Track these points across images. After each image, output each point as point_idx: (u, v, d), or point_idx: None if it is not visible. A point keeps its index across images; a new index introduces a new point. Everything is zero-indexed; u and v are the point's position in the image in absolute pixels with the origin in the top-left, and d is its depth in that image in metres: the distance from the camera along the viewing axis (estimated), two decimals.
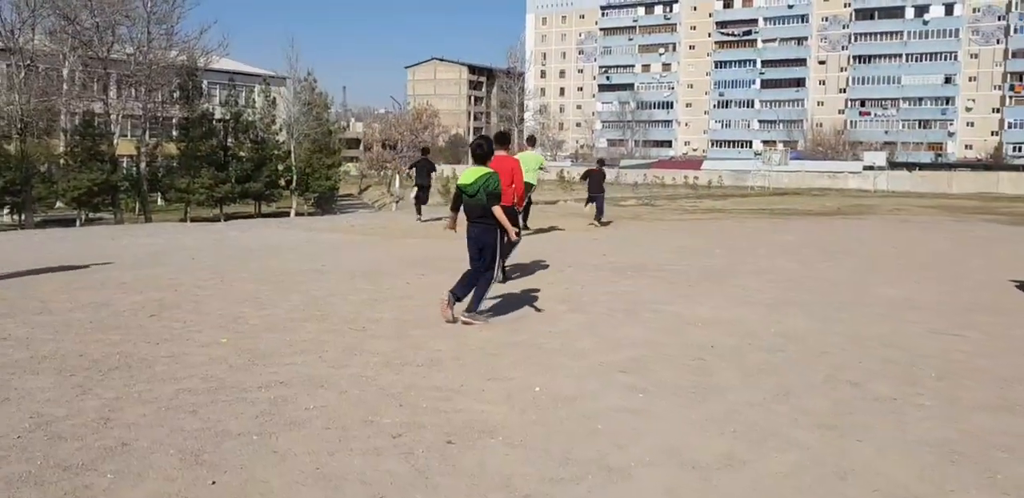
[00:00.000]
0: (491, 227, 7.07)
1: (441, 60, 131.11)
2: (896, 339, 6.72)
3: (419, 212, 17.98)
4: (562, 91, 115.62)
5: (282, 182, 43.25)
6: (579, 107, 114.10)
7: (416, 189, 17.82)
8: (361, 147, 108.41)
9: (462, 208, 7.32)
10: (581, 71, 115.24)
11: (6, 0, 35.40)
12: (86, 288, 8.36)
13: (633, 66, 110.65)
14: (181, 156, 39.15)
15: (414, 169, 17.77)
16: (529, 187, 13.24)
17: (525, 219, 14.64)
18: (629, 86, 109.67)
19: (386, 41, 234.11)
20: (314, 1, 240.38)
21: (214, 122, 41.07)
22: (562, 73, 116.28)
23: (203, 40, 41.29)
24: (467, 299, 7.16)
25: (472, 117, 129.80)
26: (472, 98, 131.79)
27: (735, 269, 10.74)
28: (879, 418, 4.75)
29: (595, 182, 18.15)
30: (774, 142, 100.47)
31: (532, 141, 16.45)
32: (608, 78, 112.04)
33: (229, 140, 41.23)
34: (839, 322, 7.37)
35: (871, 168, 73.07)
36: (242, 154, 41.28)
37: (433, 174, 18.24)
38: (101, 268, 9.97)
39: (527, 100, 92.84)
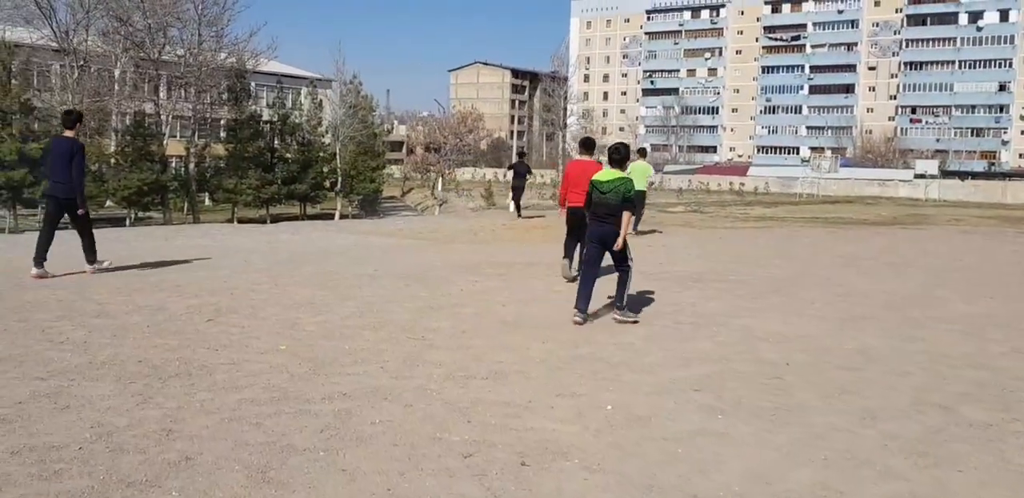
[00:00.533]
0: (616, 225, 7.33)
1: (485, 64, 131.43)
2: (982, 360, 6.38)
3: (518, 210, 20.47)
4: (606, 95, 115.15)
5: (327, 184, 43.46)
6: (623, 111, 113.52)
7: (512, 191, 20.35)
8: (404, 150, 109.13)
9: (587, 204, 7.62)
10: (625, 75, 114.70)
11: (61, 2, 36.03)
12: (142, 290, 8.30)
13: (678, 71, 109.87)
14: (229, 157, 39.50)
15: (511, 170, 20.09)
16: (642, 194, 15.31)
17: (636, 225, 15.77)
18: (674, 91, 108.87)
19: (430, 45, 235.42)
20: (358, 5, 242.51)
21: (261, 124, 41.41)
22: (606, 77, 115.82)
23: (252, 42, 41.64)
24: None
25: (515, 121, 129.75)
26: (515, 102, 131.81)
27: (798, 281, 10.41)
28: (976, 446, 4.46)
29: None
30: (822, 149, 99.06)
31: (643, 152, 17.24)
32: (652, 82, 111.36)
33: (276, 142, 41.51)
34: (918, 340, 7.04)
35: (922, 176, 71.62)
36: (288, 156, 41.54)
37: (528, 176, 20.32)
38: (156, 269, 9.95)
39: (571, 104, 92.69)
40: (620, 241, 7.31)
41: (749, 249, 14.56)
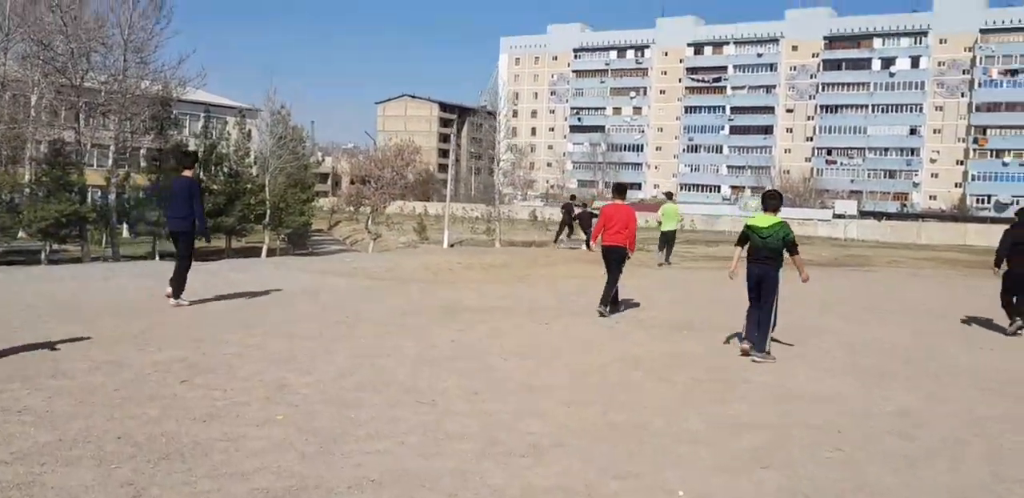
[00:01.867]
0: (774, 267, 8.09)
1: (413, 97, 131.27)
2: (1021, 422, 6.02)
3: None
4: (534, 131, 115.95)
5: (254, 217, 42.06)
6: (551, 147, 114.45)
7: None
8: (330, 182, 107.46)
9: (745, 247, 8.29)
10: (553, 111, 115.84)
11: None
12: (98, 342, 7.37)
13: (604, 108, 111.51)
14: (152, 188, 37.86)
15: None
16: (673, 233, 20.07)
17: (668, 257, 19.70)
18: (600, 128, 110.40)
19: (356, 77, 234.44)
20: (287, 34, 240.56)
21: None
22: (534, 113, 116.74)
23: (180, 70, 40.27)
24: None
25: (442, 154, 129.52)
26: (443, 135, 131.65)
27: (790, 329, 10.02)
28: None
29: (588, 223, 18.06)
30: (742, 187, 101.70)
31: (670, 195, 21.41)
32: (580, 119, 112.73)
33: (202, 173, 40.04)
34: (950, 400, 6.66)
35: (842, 217, 73.86)
36: (215, 187, 40.11)
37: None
38: (104, 315, 8.95)
39: (502, 139, 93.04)
40: (804, 274, 8.27)
41: (719, 292, 14.21)
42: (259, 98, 40.42)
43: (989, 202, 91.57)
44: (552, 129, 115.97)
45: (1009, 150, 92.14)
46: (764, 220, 8.18)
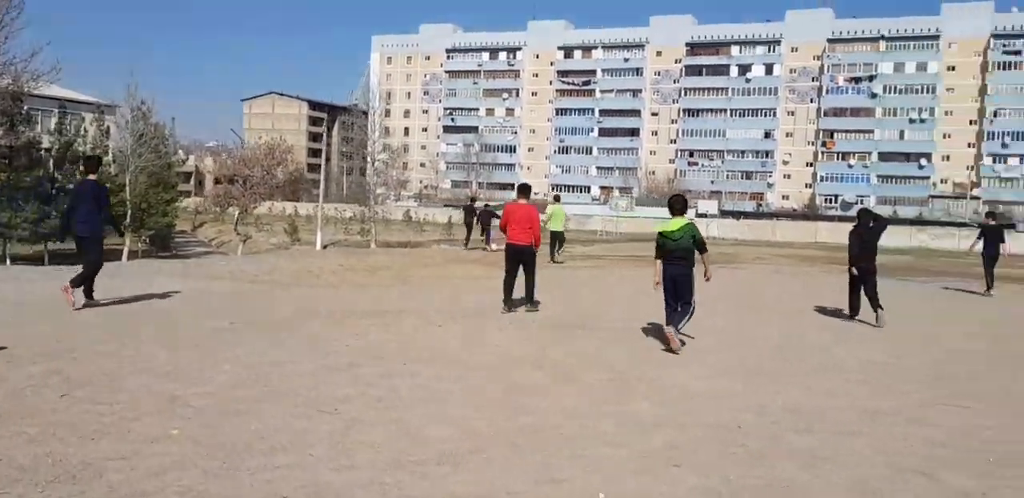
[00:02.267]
0: (687, 266, 8.54)
1: (281, 94, 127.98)
2: (912, 414, 6.32)
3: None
4: (407, 131, 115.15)
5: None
6: (423, 147, 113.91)
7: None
8: (193, 181, 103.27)
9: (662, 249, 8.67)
10: (426, 112, 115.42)
11: None
12: None
13: (478, 109, 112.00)
14: (2, 188, 35.33)
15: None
16: (561, 234, 21.51)
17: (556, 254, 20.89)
18: (474, 129, 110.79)
19: (221, 73, 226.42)
20: (148, 29, 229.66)
21: (41, 151, 37.55)
22: (407, 113, 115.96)
23: (33, 63, 37.73)
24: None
25: (312, 154, 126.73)
26: (312, 134, 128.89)
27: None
28: None
29: (488, 223, 18.40)
30: (611, 188, 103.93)
31: (557, 198, 23.51)
32: (453, 120, 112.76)
33: (56, 171, 37.68)
34: (840, 395, 6.92)
35: (704, 216, 76.62)
36: (71, 186, 37.78)
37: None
38: None
39: (374, 139, 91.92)
40: (708, 273, 8.66)
41: (604, 291, 14.45)
42: (119, 94, 38.15)
43: (836, 201, 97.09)
44: (425, 129, 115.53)
45: (853, 153, 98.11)
46: (673, 224, 8.60)
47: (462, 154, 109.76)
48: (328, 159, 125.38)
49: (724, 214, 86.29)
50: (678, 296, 8.58)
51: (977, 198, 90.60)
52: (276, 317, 9.68)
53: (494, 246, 22.23)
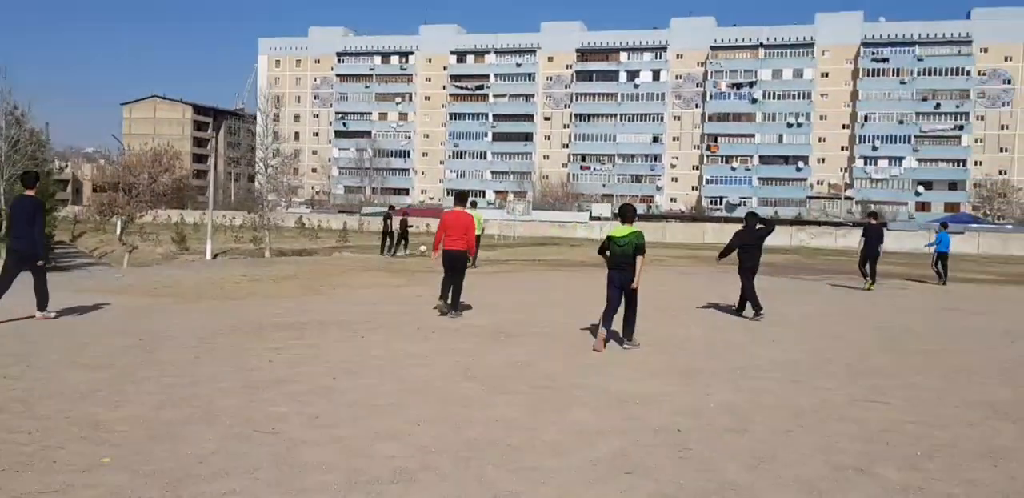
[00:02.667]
0: (633, 271, 8.82)
1: (163, 98, 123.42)
2: (838, 411, 6.54)
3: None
4: (297, 135, 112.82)
5: None
6: (315, 152, 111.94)
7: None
8: (70, 189, 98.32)
9: (607, 254, 9.07)
10: (317, 116, 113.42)
11: None
12: None
13: (370, 114, 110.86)
14: None
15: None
16: (478, 238, 20.01)
17: (474, 259, 18.96)
18: (366, 133, 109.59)
19: (98, 75, 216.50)
20: (21, 28, 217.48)
21: None
22: (297, 117, 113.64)
23: None
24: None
25: (197, 159, 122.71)
26: (197, 139, 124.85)
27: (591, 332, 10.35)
28: None
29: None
30: (506, 192, 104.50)
31: (474, 204, 21.64)
32: (345, 124, 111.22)
33: None
34: (763, 392, 7.12)
35: (598, 218, 77.92)
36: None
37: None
38: None
39: (263, 145, 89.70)
40: (636, 281, 8.84)
41: (518, 295, 14.46)
42: None
43: (721, 203, 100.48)
44: (316, 134, 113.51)
45: (736, 156, 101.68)
46: (621, 231, 8.96)
47: (355, 159, 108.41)
48: (215, 165, 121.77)
49: (615, 217, 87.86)
50: (627, 299, 8.99)
51: (850, 198, 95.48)
52: (187, 332, 9.26)
53: (422, 249, 22.51)
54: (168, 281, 15.12)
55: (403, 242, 26.63)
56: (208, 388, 6.56)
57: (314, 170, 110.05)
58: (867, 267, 17.88)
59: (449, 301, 11.24)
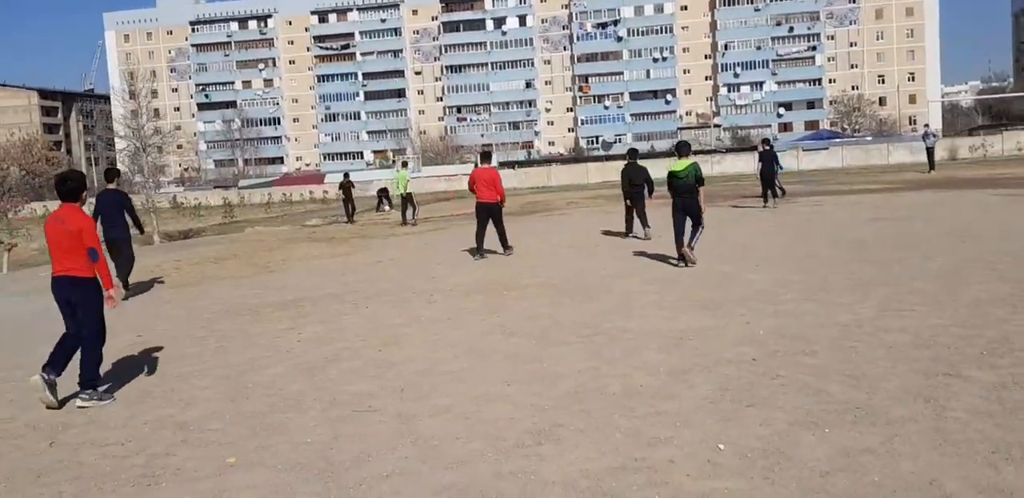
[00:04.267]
0: (692, 198, 10.34)
1: (3, 85, 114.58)
2: (874, 324, 6.79)
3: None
4: (157, 112, 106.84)
5: None
6: (178, 128, 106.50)
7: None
8: None
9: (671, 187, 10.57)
10: (176, 90, 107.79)
11: None
12: None
13: (233, 83, 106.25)
14: None
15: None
16: (410, 195, 22.68)
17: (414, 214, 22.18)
18: (232, 104, 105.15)
19: None
20: None
21: None
22: (155, 93, 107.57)
23: None
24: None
25: (50, 147, 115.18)
26: (48, 126, 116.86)
27: (585, 277, 10.41)
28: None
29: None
30: (384, 151, 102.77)
31: (405, 165, 26.95)
32: (207, 96, 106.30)
33: None
34: (798, 315, 7.31)
35: None
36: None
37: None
38: None
39: (120, 124, 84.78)
40: (703, 207, 10.45)
41: (458, 255, 14.32)
42: None
43: (598, 142, 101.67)
44: (177, 109, 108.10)
45: (608, 95, 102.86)
46: (680, 165, 10.40)
47: (223, 131, 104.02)
48: (69, 151, 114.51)
49: (501, 165, 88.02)
50: (693, 220, 10.45)
51: (718, 126, 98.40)
52: (182, 323, 8.78)
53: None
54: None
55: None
56: (263, 375, 6.26)
57: (179, 146, 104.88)
58: (768, 188, 19.50)
59: (502, 245, 12.96)
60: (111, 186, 11.20)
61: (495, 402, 5.23)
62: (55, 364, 5.66)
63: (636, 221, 14.61)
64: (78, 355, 5.83)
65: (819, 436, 4.32)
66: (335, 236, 20.23)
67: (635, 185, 14.75)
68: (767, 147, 20.23)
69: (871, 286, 8.41)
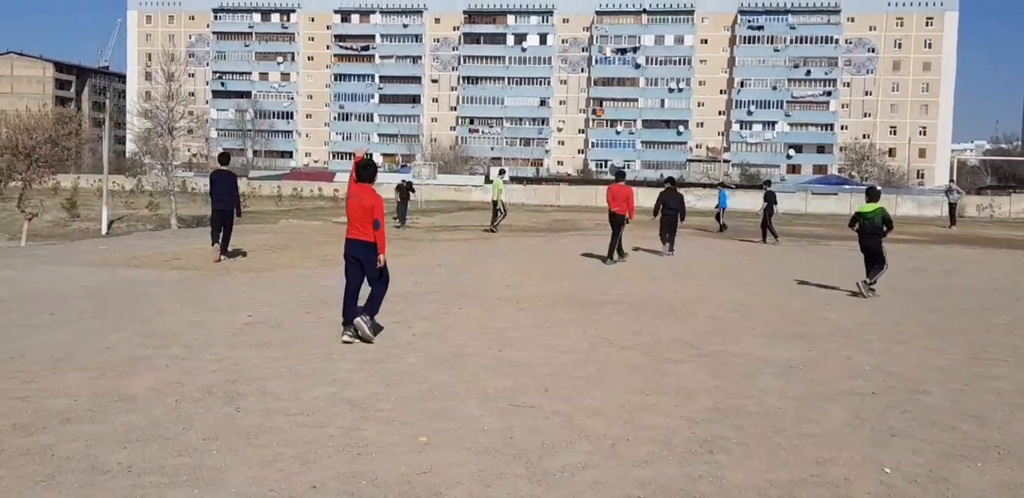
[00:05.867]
0: (879, 241, 11.56)
1: (20, 54, 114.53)
2: (983, 370, 7.17)
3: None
4: (191, 95, 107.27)
5: None
6: (191, 113, 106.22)
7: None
8: None
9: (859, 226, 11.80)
10: (192, 75, 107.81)
11: None
12: None
13: (250, 73, 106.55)
14: None
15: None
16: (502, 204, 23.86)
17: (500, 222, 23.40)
18: (246, 94, 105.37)
19: None
20: None
21: None
22: (171, 76, 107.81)
23: None
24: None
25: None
26: (60, 99, 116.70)
27: (658, 297, 10.77)
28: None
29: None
30: (394, 155, 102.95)
31: (502, 172, 26.45)
32: (223, 84, 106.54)
33: None
34: (895, 355, 7.68)
35: (492, 182, 78.17)
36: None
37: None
38: None
39: (136, 104, 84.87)
40: (884, 251, 11.66)
41: (524, 265, 14.66)
42: None
43: (606, 166, 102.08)
44: (192, 94, 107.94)
45: (621, 120, 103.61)
46: (869, 207, 11.60)
47: (235, 121, 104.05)
48: (80, 126, 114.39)
49: (512, 180, 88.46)
50: (873, 260, 11.51)
51: (728, 161, 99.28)
52: (286, 311, 9.05)
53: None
54: (152, 253, 14.45)
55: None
56: (401, 364, 6.57)
57: (190, 131, 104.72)
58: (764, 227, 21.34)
59: (616, 255, 15.12)
60: (224, 167, 13.90)
61: (644, 410, 5.55)
62: (350, 315, 7.38)
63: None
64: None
65: (975, 469, 4.66)
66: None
67: (670, 208, 17.38)
68: (768, 187, 22.20)
69: (947, 334, 8.77)
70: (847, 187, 71.98)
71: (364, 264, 7.48)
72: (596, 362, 6.91)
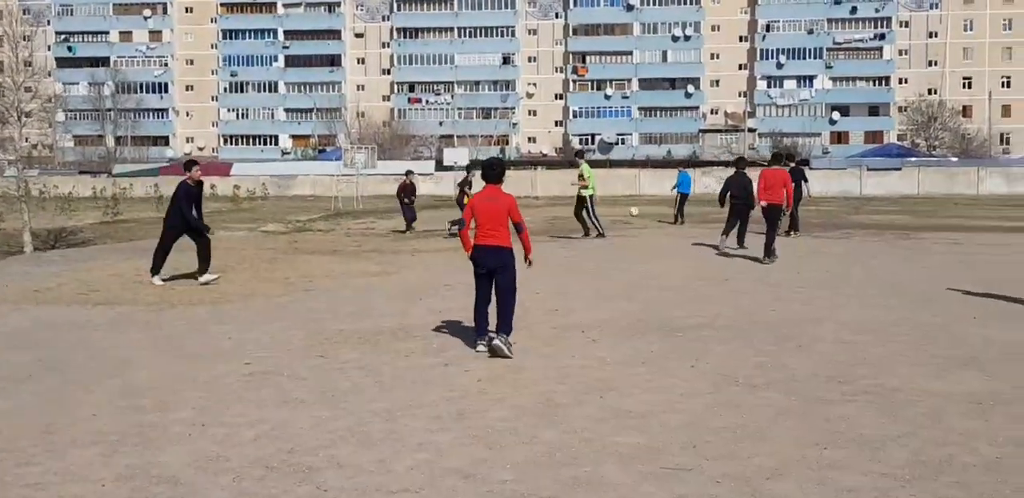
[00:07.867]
0: None
1: None
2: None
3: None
4: (28, 65, 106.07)
5: None
6: (28, 89, 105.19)
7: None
8: None
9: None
10: (28, 38, 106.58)
11: None
12: None
13: (107, 33, 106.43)
14: None
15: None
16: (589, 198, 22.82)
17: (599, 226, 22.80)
18: (103, 61, 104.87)
19: None
20: None
21: None
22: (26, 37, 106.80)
23: None
24: None
25: None
26: None
27: (757, 317, 11.09)
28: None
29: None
30: (308, 137, 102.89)
31: (581, 154, 26.13)
32: (71, 49, 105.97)
33: None
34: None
35: (450, 169, 78.36)
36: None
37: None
38: None
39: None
40: None
41: (565, 278, 14.94)
42: None
43: (593, 142, 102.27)
44: (29, 64, 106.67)
45: (610, 81, 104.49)
46: None
47: (89, 98, 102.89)
48: None
49: (471, 165, 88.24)
50: None
51: (754, 130, 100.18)
52: (287, 354, 9.20)
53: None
54: (52, 284, 14.44)
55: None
56: (488, 418, 6.77)
57: (28, 115, 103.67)
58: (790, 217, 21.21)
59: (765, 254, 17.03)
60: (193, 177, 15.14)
61: (832, 468, 5.75)
62: (482, 329, 9.15)
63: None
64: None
65: None
66: (337, 249, 20.67)
67: (736, 197, 19.08)
68: (793, 165, 21.61)
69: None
70: (912, 160, 73.04)
71: (499, 272, 8.98)
72: (733, 407, 7.15)
